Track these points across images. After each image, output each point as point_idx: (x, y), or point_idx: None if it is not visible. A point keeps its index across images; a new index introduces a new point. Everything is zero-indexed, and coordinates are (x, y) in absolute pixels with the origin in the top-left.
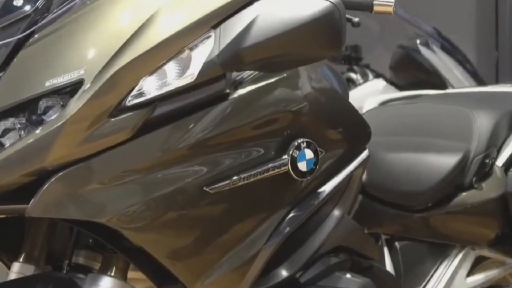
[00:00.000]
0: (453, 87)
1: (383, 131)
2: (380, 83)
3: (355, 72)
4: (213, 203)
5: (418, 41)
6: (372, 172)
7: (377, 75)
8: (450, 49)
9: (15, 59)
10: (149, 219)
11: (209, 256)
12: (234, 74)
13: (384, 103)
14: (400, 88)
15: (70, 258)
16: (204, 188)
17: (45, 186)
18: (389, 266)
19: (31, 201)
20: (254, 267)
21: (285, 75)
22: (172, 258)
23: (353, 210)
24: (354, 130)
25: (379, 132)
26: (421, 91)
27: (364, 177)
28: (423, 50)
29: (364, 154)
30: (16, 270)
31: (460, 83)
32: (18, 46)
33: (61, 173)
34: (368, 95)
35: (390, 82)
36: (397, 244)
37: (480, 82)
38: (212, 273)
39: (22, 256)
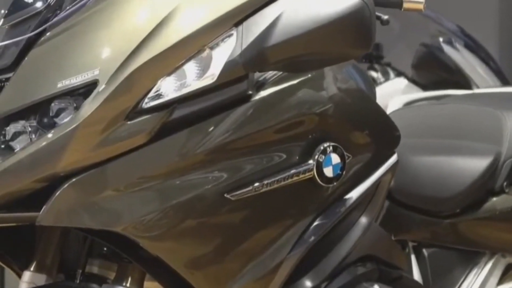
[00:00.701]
0: (477, 86)
1: (409, 133)
2: (402, 82)
3: (376, 71)
4: (234, 210)
5: (441, 39)
6: (398, 176)
7: (399, 74)
8: (474, 47)
9: (25, 59)
10: (166, 228)
11: (230, 267)
12: (257, 74)
13: (409, 104)
14: (423, 87)
15: (84, 267)
16: (225, 195)
17: (57, 193)
18: (416, 274)
19: (43, 209)
20: (277, 277)
21: (310, 75)
22: (191, 268)
23: (380, 217)
24: (383, 133)
25: (405, 134)
26: (447, 91)
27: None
28: (446, 48)
29: (393, 158)
30: (27, 279)
31: (484, 81)
32: (29, 45)
33: (74, 179)
34: (390, 94)
35: (412, 81)
36: (424, 251)
37: (504, 80)
38: (232, 284)
39: (33, 264)
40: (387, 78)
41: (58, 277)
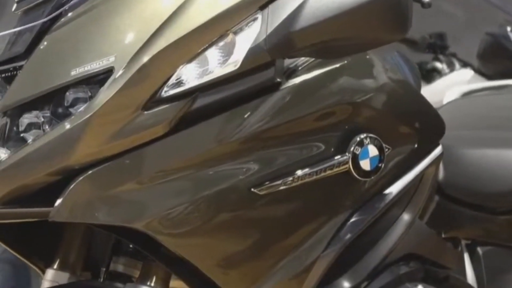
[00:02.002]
0: None
1: (464, 125)
2: (468, 72)
3: (441, 62)
4: (262, 206)
5: (508, 28)
6: (451, 170)
7: (465, 65)
8: None
9: (39, 46)
10: (188, 225)
11: (259, 266)
12: (287, 61)
13: (467, 94)
14: (489, 78)
15: (108, 266)
16: (252, 190)
17: (71, 187)
18: (470, 274)
19: (55, 204)
20: (310, 277)
21: (346, 62)
22: (216, 268)
23: (427, 213)
24: (426, 124)
25: (460, 126)
26: (508, 80)
27: (441, 175)
28: None
29: (437, 150)
30: (50, 278)
31: None
32: (43, 31)
33: (88, 173)
34: (455, 85)
35: (478, 71)
36: (479, 249)
37: None
38: (262, 285)
39: (57, 262)
40: (452, 69)
41: (84, 275)
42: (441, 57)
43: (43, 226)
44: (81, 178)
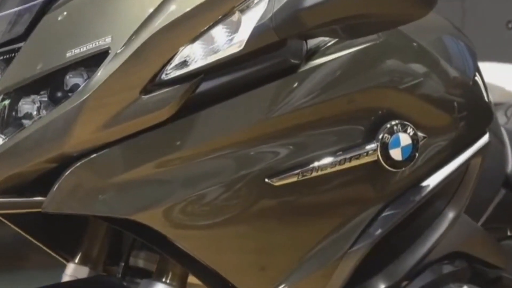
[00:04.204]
0: None
1: None
2: None
3: None
4: (277, 198)
5: None
6: None
7: None
8: None
9: (37, 26)
10: (195, 218)
11: (277, 264)
12: (308, 42)
13: None
14: None
15: (127, 260)
16: (266, 180)
17: (64, 176)
18: None
19: (48, 194)
20: (336, 275)
21: (375, 42)
22: (229, 265)
23: (490, 207)
24: (470, 110)
25: None
26: None
27: (509, 167)
28: None
29: (484, 139)
30: (70, 272)
31: None
32: (43, 12)
33: (83, 160)
34: None
35: None
36: None
37: None
38: (280, 284)
39: (78, 256)
40: None
41: (108, 269)
42: None
43: (70, 218)
44: (76, 165)
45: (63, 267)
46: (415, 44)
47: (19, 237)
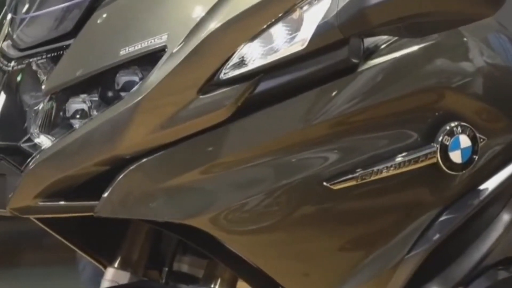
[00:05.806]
0: None
1: None
2: None
3: None
4: (336, 202)
5: None
6: None
7: None
8: None
9: (87, 23)
10: (252, 223)
11: (333, 270)
12: (366, 41)
13: None
14: None
15: (171, 265)
16: (324, 184)
17: (118, 179)
18: None
19: (101, 198)
20: (393, 281)
21: (435, 41)
22: (285, 271)
23: None
24: None
25: None
26: None
27: None
28: None
29: None
30: (109, 277)
31: None
32: (92, 8)
33: (138, 163)
34: None
35: None
36: None
37: None
38: None
39: (118, 260)
40: None
41: (149, 273)
42: None
43: (107, 221)
44: (130, 169)
45: (61, 264)
46: (472, 43)
47: (14, 235)
